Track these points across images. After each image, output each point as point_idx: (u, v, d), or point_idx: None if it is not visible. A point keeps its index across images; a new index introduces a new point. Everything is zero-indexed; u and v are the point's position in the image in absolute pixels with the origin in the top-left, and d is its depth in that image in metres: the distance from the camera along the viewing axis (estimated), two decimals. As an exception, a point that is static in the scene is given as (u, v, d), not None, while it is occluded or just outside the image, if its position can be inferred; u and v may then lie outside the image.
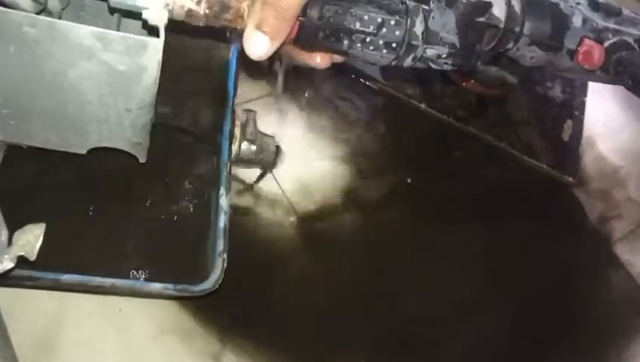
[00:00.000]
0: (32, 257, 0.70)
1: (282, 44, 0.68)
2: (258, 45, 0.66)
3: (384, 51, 0.70)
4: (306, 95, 1.21)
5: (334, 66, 0.76)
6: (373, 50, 0.70)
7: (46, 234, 0.82)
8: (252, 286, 1.02)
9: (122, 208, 0.89)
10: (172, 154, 0.94)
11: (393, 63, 0.72)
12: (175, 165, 0.94)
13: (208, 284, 0.86)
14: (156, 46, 0.65)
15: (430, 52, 0.71)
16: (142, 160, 0.87)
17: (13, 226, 0.75)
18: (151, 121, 0.82)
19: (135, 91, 0.72)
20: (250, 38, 0.66)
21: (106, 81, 0.70)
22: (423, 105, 1.35)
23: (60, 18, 0.76)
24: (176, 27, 0.71)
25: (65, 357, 0.90)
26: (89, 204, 0.88)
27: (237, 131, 0.99)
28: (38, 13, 0.71)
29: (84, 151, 0.84)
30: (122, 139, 0.82)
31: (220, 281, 0.87)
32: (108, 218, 0.88)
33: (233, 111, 0.98)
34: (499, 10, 0.73)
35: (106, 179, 0.90)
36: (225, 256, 0.88)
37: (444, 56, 0.71)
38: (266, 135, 1.04)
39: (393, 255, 1.16)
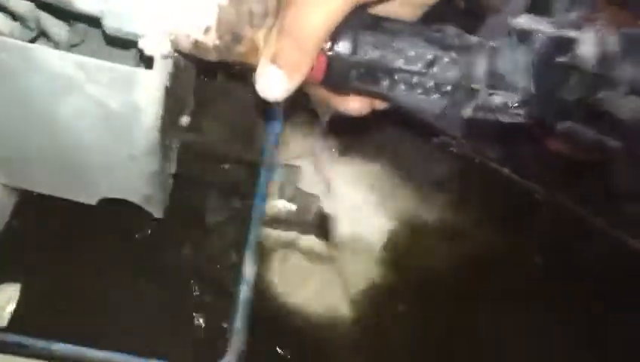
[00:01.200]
0: (2, 323, 0.60)
1: (304, 83, 0.55)
2: (272, 83, 0.53)
3: (435, 96, 0.55)
4: (360, 147, 1.06)
5: (378, 114, 0.62)
6: (420, 94, 0.55)
7: (42, 296, 0.73)
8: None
9: (130, 270, 0.77)
10: (194, 211, 0.82)
11: (447, 112, 0.57)
12: (196, 223, 0.81)
13: (221, 369, 0.72)
14: (149, 79, 0.54)
15: (497, 100, 0.56)
16: (157, 215, 0.75)
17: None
18: (164, 170, 0.71)
19: (135, 135, 0.61)
20: (262, 73, 0.53)
21: (100, 121, 0.59)
22: (505, 170, 1.18)
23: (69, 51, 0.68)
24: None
25: None
26: (94, 264, 0.76)
27: (274, 187, 0.86)
28: (32, 41, 0.63)
29: (93, 202, 0.74)
30: (132, 191, 0.71)
31: (234, 367, 0.73)
32: (112, 281, 0.76)
33: (272, 165, 0.85)
34: (587, 49, 0.56)
35: (116, 237, 0.79)
36: (242, 336, 0.74)
37: (514, 104, 0.56)
38: (308, 194, 0.90)
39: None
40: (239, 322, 0.75)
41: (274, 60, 0.53)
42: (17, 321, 0.65)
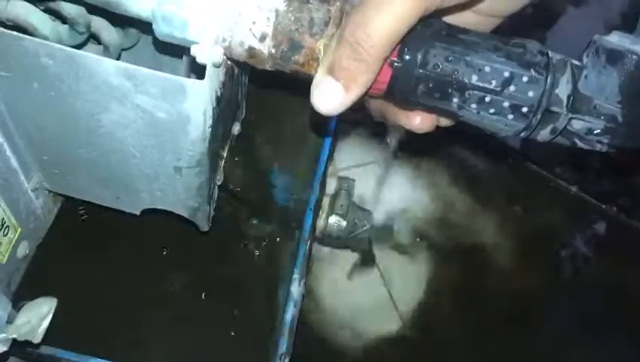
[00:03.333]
0: (36, 340, 0.57)
1: (365, 97, 0.51)
2: (328, 96, 0.48)
3: (510, 117, 0.50)
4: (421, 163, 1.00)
5: (443, 130, 0.57)
6: (493, 113, 0.50)
7: (79, 308, 0.70)
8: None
9: (170, 288, 0.74)
10: (242, 224, 0.78)
11: (522, 135, 0.51)
12: (245, 237, 0.77)
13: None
14: (199, 90, 0.51)
15: (578, 125, 0.50)
16: (203, 228, 0.72)
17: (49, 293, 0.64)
18: (211, 183, 0.67)
19: (182, 146, 0.58)
20: (318, 85, 0.49)
21: (146, 130, 0.56)
22: (574, 189, 1.10)
23: (119, 57, 0.66)
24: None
25: None
26: (133, 276, 0.73)
27: (326, 202, 0.82)
28: (81, 47, 0.60)
29: (137, 212, 0.71)
30: (177, 202, 0.68)
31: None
32: (152, 298, 0.73)
33: (324, 178, 0.81)
34: (687, 74, 0.49)
35: (158, 249, 0.75)
36: (287, 360, 0.70)
37: (597, 131, 0.50)
38: (361, 209, 0.85)
39: None
40: (283, 345, 0.70)
41: (331, 71, 0.48)
42: (53, 334, 0.62)
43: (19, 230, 0.69)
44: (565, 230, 1.06)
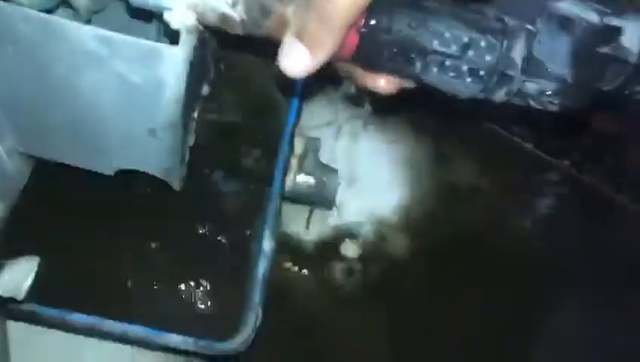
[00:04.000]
0: (19, 296, 0.59)
1: (332, 60, 0.53)
2: (295, 60, 0.51)
3: (468, 80, 0.53)
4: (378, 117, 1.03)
5: (408, 93, 0.60)
6: (454, 77, 0.53)
7: (58, 267, 0.72)
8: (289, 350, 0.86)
9: (146, 244, 0.76)
10: (213, 183, 0.81)
11: (480, 96, 0.55)
12: (214, 196, 0.80)
13: (234, 344, 0.72)
14: (174, 55, 0.53)
15: (531, 87, 0.54)
16: (175, 188, 0.74)
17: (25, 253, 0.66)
18: (183, 144, 0.70)
19: (157, 109, 0.60)
20: (286, 49, 0.51)
21: (121, 94, 0.58)
22: (529, 146, 1.15)
23: (90, 20, 0.66)
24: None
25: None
26: (108, 235, 0.76)
27: (294, 162, 0.85)
28: (51, 11, 0.61)
29: (111, 173, 0.73)
30: (150, 163, 0.70)
31: (249, 341, 0.72)
32: (129, 254, 0.75)
33: (292, 138, 0.84)
34: (631, 40, 0.53)
35: (131, 207, 0.78)
36: (260, 311, 0.74)
37: (549, 93, 0.53)
38: (328, 168, 0.88)
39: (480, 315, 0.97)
40: (256, 297, 0.74)
41: (299, 36, 0.51)
42: (34, 292, 0.64)
43: (-8, 191, 0.70)
44: (522, 185, 1.11)
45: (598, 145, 1.15)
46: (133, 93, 0.57)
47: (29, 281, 0.59)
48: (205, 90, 0.79)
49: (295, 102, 0.85)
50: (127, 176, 0.72)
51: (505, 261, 1.02)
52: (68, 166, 0.73)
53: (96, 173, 0.72)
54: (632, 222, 1.13)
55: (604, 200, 1.14)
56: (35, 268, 0.59)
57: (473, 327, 0.95)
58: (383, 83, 0.57)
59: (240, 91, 0.85)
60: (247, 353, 0.74)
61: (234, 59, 0.83)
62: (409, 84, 0.58)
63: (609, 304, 1.04)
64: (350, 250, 0.95)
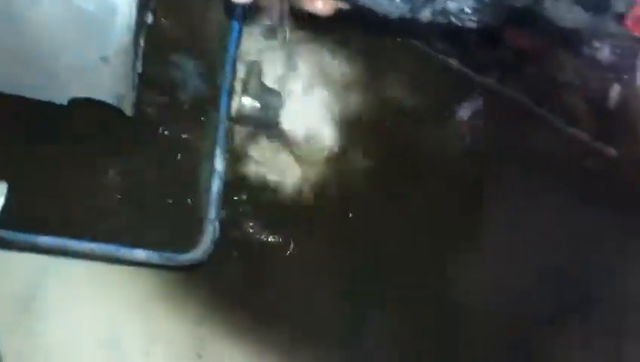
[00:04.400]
0: (-7, 220, 0.63)
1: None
2: None
3: (397, 0, 0.59)
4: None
5: (343, 14, 0.65)
6: (382, -4, 0.59)
7: (22, 191, 0.76)
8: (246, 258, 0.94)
9: (105, 166, 0.81)
10: (163, 108, 0.85)
11: (408, 15, 0.61)
12: (166, 120, 0.85)
13: (196, 254, 0.78)
14: (126, -15, 0.56)
15: (452, 5, 0.60)
16: (128, 113, 0.79)
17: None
18: (135, 70, 0.74)
19: (110, 36, 0.63)
20: None
21: (74, 23, 0.61)
22: (454, 62, 1.23)
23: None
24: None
25: (43, 321, 0.84)
26: (70, 161, 0.80)
27: (238, 85, 0.89)
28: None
29: (64, 102, 0.76)
30: (104, 91, 0.74)
31: (209, 252, 0.79)
32: (90, 175, 0.80)
33: (234, 62, 0.88)
34: (539, -41, 0.60)
35: (87, 132, 0.81)
36: (217, 224, 0.80)
37: (468, 11, 0.60)
38: (271, 90, 0.94)
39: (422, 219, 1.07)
40: (213, 212, 0.80)
41: None
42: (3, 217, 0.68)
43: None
44: (448, 99, 1.19)
45: (518, 60, 1.24)
46: (86, 21, 0.61)
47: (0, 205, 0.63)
48: (149, 18, 0.81)
49: (236, 27, 0.89)
50: (81, 104, 0.75)
51: (436, 168, 1.11)
52: (21, 97, 0.76)
53: (49, 103, 0.75)
54: (549, 131, 1.24)
55: (524, 112, 1.24)
56: (4, 192, 0.63)
57: (412, 226, 1.05)
58: (321, 5, 0.62)
59: (183, 18, 0.88)
60: (208, 265, 0.82)
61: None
62: (344, 6, 0.64)
63: (531, 203, 1.15)
64: (292, 164, 1.02)
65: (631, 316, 1.13)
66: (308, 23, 0.99)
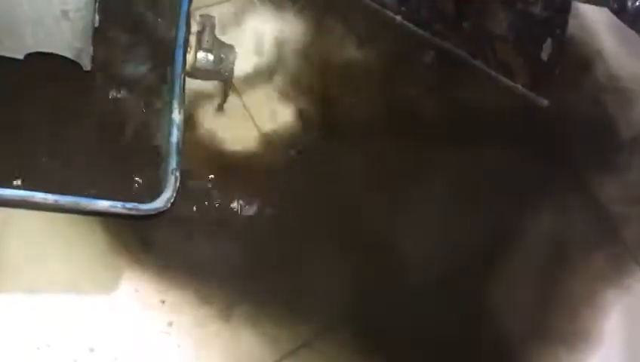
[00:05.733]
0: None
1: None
2: None
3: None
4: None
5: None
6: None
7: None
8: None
9: (66, 119, 0.82)
10: (120, 61, 0.86)
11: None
12: (124, 74, 0.86)
13: (159, 203, 0.81)
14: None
15: None
16: (86, 68, 0.80)
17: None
18: (93, 25, 0.75)
19: (70, -10, 0.64)
20: None
21: (35, -24, 0.62)
22: (398, 18, 1.27)
23: None
24: None
25: (4, 277, 0.86)
26: (28, 114, 0.81)
27: (192, 39, 0.91)
28: None
29: (21, 56, 0.76)
30: (62, 45, 0.75)
31: (171, 200, 0.82)
32: (50, 129, 0.81)
33: (188, 17, 0.90)
34: None
35: (47, 86, 0.82)
36: (178, 173, 0.83)
37: None
38: (224, 44, 0.96)
39: (357, 175, 1.12)
40: (173, 162, 0.83)
41: None
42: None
43: None
44: (395, 54, 1.25)
45: (459, 14, 1.29)
46: (47, -25, 0.61)
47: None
48: (105, -29, 0.82)
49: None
50: (38, 58, 0.76)
51: (380, 123, 1.17)
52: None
53: (5, 57, 0.76)
54: (485, 83, 1.31)
55: (463, 64, 1.31)
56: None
57: (353, 177, 1.11)
58: None
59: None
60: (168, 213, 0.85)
61: None
62: None
63: (465, 154, 1.22)
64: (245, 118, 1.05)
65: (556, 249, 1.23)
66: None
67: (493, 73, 1.31)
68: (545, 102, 1.33)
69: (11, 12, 0.68)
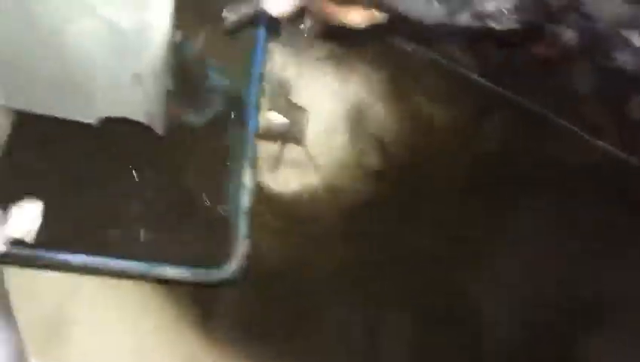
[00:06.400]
0: (30, 239, 0.63)
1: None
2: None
3: (435, 4, 0.59)
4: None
5: (376, 28, 0.65)
6: (423, 2, 0.59)
7: (54, 211, 0.75)
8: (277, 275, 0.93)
9: (136, 183, 0.80)
10: (192, 126, 0.85)
11: (445, 20, 0.61)
12: (195, 136, 0.84)
13: (228, 271, 0.77)
14: (163, 1, 0.56)
15: (490, 6, 0.60)
16: (159, 132, 0.78)
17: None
18: (167, 89, 0.73)
19: (143, 54, 0.63)
20: None
21: (109, 40, 0.61)
22: (476, 76, 1.23)
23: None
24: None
25: (73, 345, 0.83)
26: (101, 178, 0.79)
27: (264, 101, 0.89)
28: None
29: (94, 121, 0.76)
30: (135, 109, 0.74)
31: (241, 268, 0.78)
32: (121, 194, 0.79)
33: (261, 79, 0.88)
34: (573, -42, 0.60)
35: (120, 151, 0.81)
36: (247, 239, 0.79)
37: (507, 10, 0.60)
38: (297, 106, 0.93)
39: (443, 231, 1.06)
40: (244, 227, 0.79)
41: None
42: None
43: (-20, 146, 0.72)
44: (470, 112, 1.19)
45: (540, 71, 1.24)
46: (121, 39, 0.61)
47: (36, 225, 0.62)
48: (178, 36, 0.81)
49: (261, 44, 0.89)
50: (111, 124, 0.75)
51: (463, 180, 1.11)
52: (49, 117, 0.75)
53: (81, 122, 0.75)
54: (570, 141, 1.24)
55: (545, 122, 1.24)
56: (40, 212, 0.62)
57: (432, 236, 1.04)
58: (355, 16, 0.62)
59: (207, 34, 0.88)
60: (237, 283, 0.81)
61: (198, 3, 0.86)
62: (379, 18, 0.64)
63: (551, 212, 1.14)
64: (314, 178, 1.01)
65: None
66: (337, 36, 1.00)
67: (580, 132, 1.23)
68: (636, 160, 1.25)
69: (87, 78, 0.67)
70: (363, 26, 0.63)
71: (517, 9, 0.59)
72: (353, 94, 1.09)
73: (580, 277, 1.10)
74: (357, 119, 1.08)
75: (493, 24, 0.60)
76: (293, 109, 0.92)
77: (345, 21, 0.62)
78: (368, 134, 1.08)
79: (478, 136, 1.17)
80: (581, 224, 1.13)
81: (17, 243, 0.62)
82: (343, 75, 1.08)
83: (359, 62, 1.09)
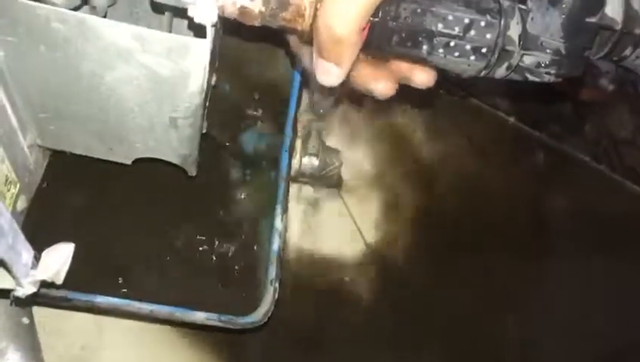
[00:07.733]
0: (59, 281, 0.62)
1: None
2: (326, 74, 0.57)
3: (472, 58, 0.58)
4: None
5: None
6: (458, 56, 0.58)
7: (82, 252, 0.76)
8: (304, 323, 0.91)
9: (165, 226, 0.80)
10: (224, 168, 0.85)
11: (482, 73, 0.60)
12: (227, 179, 0.84)
13: (256, 317, 0.76)
14: (201, 48, 0.56)
15: (528, 60, 0.59)
16: (191, 173, 0.78)
17: (49, 243, 0.69)
18: (200, 131, 0.73)
19: (180, 99, 0.63)
20: (317, 67, 0.57)
21: (147, 86, 0.61)
22: (511, 119, 1.21)
23: (105, 15, 0.70)
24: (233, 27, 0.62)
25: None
26: (130, 220, 0.80)
27: (298, 144, 0.89)
28: (77, 9, 0.64)
29: (129, 162, 0.76)
30: (169, 151, 0.74)
31: (269, 314, 0.77)
32: (149, 237, 0.79)
33: (295, 121, 0.88)
34: (613, 10, 0.59)
35: (149, 193, 0.82)
36: (277, 285, 0.78)
37: (545, 64, 0.59)
38: (331, 149, 0.93)
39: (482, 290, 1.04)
40: (273, 271, 0.79)
41: (321, 54, 0.56)
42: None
43: (18, 185, 0.73)
44: (508, 157, 1.18)
45: (578, 115, 1.22)
46: (159, 84, 0.61)
47: (67, 267, 0.62)
48: (214, 79, 0.82)
49: (296, 87, 0.89)
50: (144, 163, 0.76)
51: (496, 229, 1.08)
52: (83, 156, 0.76)
53: (111, 162, 0.76)
54: (610, 188, 1.21)
55: (583, 168, 1.21)
56: (71, 254, 0.62)
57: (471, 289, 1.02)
58: (382, 85, 0.62)
59: (243, 78, 0.89)
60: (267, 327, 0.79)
61: (232, 46, 0.87)
62: (421, 80, 0.63)
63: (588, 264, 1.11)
64: (349, 225, 1.00)
65: None
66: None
67: (620, 179, 1.20)
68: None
69: (123, 121, 0.68)
70: (388, 93, 0.63)
71: (555, 63, 0.58)
72: (387, 136, 1.09)
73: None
74: (390, 163, 1.07)
75: (530, 77, 0.59)
76: (326, 152, 0.92)
77: (370, 88, 0.62)
78: (401, 178, 1.07)
79: (511, 182, 1.15)
80: (619, 275, 1.10)
81: (46, 284, 0.62)
82: (378, 116, 1.09)
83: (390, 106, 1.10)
